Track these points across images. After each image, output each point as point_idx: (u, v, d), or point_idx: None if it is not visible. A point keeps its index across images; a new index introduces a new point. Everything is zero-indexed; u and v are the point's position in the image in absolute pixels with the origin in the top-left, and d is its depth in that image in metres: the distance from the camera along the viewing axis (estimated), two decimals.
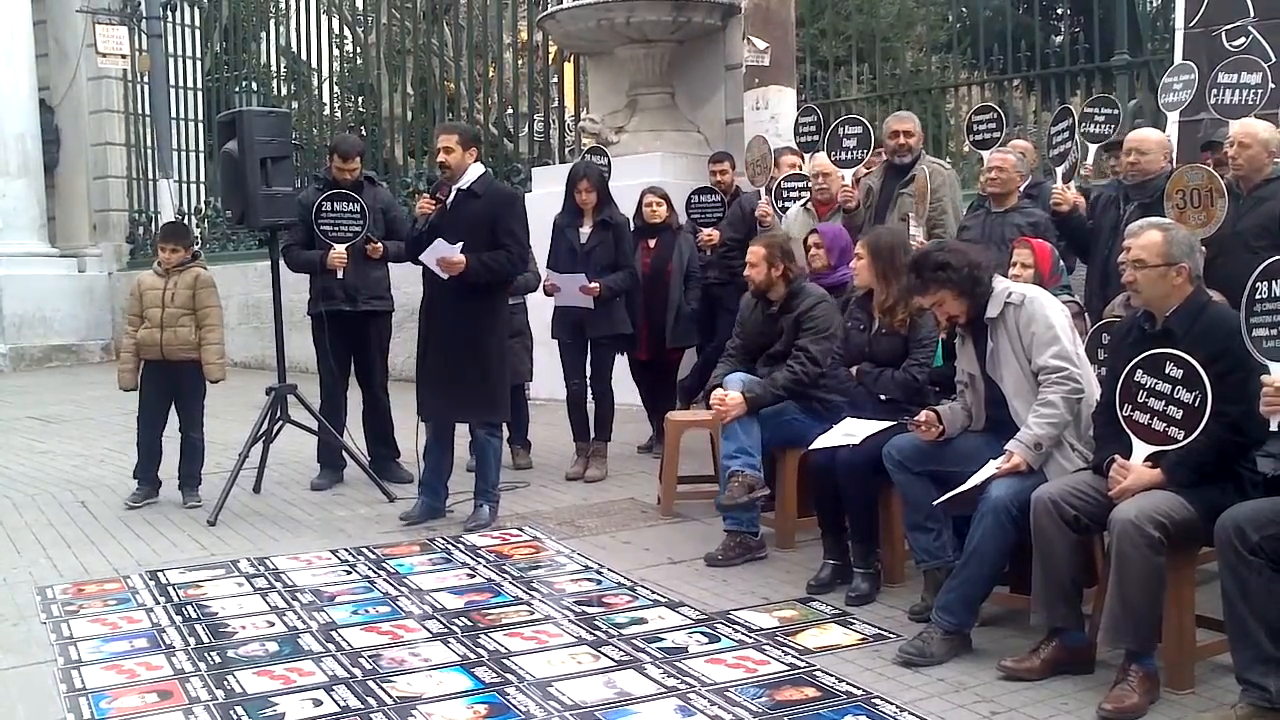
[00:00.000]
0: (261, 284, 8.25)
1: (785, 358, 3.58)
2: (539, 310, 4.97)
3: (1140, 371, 2.51)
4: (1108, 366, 2.81)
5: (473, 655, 2.78)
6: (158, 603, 3.27)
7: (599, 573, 3.47)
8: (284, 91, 11.28)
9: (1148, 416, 2.49)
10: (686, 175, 6.15)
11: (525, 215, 4.02)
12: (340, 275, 4.51)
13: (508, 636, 2.90)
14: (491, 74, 9.39)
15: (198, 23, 11.22)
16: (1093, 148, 4.30)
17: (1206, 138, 4.30)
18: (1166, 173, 3.69)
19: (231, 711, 2.48)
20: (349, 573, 3.54)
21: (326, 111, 10.41)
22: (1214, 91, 4.12)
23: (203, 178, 11.13)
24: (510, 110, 9.13)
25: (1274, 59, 4.40)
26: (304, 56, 10.37)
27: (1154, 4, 6.85)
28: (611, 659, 2.74)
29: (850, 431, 3.18)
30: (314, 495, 4.65)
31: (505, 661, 2.73)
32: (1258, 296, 2.34)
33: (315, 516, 4.30)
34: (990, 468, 2.73)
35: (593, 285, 4.59)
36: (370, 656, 2.79)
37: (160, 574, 3.54)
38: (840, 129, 4.80)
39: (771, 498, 3.64)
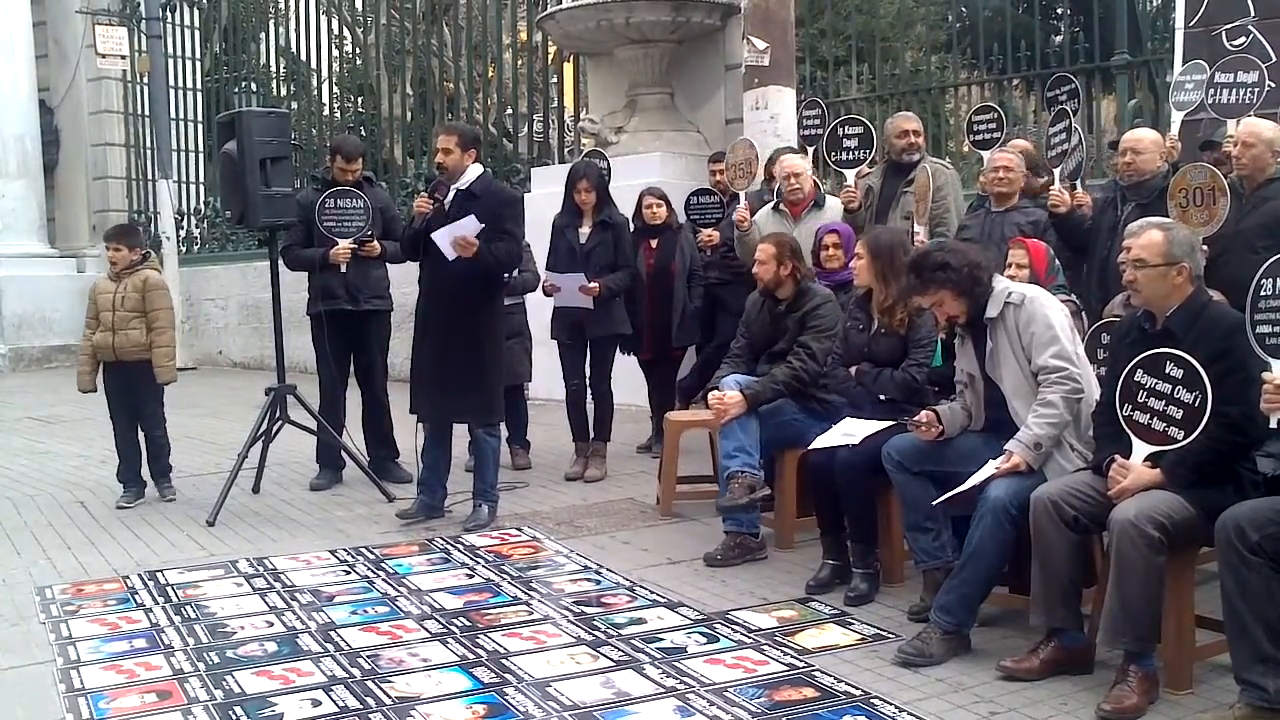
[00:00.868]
0: (261, 284, 8.25)
1: (785, 357, 3.58)
2: (538, 310, 4.96)
3: (1140, 371, 2.50)
4: (1108, 366, 2.81)
5: (471, 655, 2.78)
6: (157, 603, 3.27)
7: (598, 573, 3.47)
8: (283, 92, 11.28)
9: (1148, 416, 2.48)
10: (686, 175, 6.15)
11: (523, 217, 4.04)
12: (343, 270, 4.50)
13: (506, 636, 2.90)
14: (491, 74, 9.39)
15: (197, 23, 11.22)
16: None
17: (1205, 137, 4.30)
18: (1163, 173, 3.69)
19: (230, 711, 2.48)
20: (348, 573, 3.54)
21: (326, 112, 10.41)
22: (1211, 91, 4.12)
23: (202, 178, 11.14)
24: (509, 110, 9.13)
25: (1274, 58, 4.40)
26: (303, 57, 10.38)
27: (1154, 3, 6.84)
28: (610, 659, 2.74)
29: (849, 431, 3.18)
30: (313, 495, 4.64)
31: (504, 661, 2.73)
32: (1262, 294, 2.34)
33: (314, 517, 4.30)
34: (990, 468, 2.73)
35: (592, 285, 4.58)
36: (369, 656, 2.79)
37: (159, 574, 3.54)
38: (840, 129, 4.79)
39: (771, 498, 3.64)
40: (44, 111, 11.20)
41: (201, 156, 11.06)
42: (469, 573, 3.50)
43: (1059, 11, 9.68)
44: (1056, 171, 4.01)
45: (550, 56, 8.78)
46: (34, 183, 11.00)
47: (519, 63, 9.20)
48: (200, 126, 11.07)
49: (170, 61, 10.53)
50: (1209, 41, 4.65)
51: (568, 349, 4.77)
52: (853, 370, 3.44)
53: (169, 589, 3.39)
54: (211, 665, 2.75)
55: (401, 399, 4.21)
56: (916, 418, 2.94)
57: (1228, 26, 4.63)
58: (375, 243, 4.59)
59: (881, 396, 3.33)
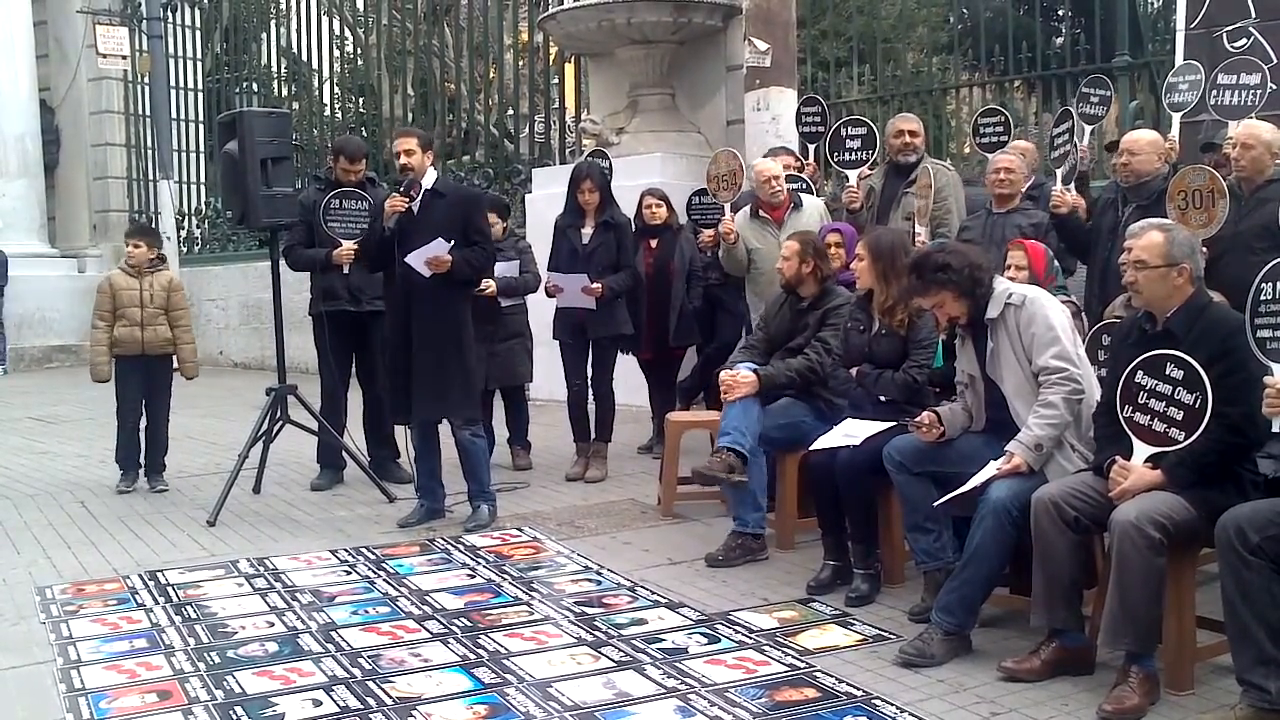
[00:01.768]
0: (262, 284, 8.26)
1: (801, 352, 3.58)
2: (539, 311, 4.97)
3: (1141, 373, 2.50)
4: (1108, 367, 2.81)
5: (472, 656, 2.78)
6: (157, 603, 3.27)
7: (599, 573, 3.47)
8: (284, 92, 11.29)
9: (1148, 418, 2.48)
10: (687, 176, 6.15)
11: (487, 215, 4.20)
12: (346, 271, 4.51)
13: (507, 637, 2.90)
14: (492, 75, 9.40)
15: (198, 23, 11.24)
16: (1089, 128, 4.29)
17: (1207, 139, 4.30)
18: (1163, 174, 3.69)
19: (231, 712, 2.48)
20: (349, 573, 3.54)
21: (327, 112, 10.42)
22: (1214, 92, 4.12)
23: (203, 178, 11.15)
24: (511, 111, 9.13)
25: (1275, 60, 4.40)
26: (304, 57, 10.38)
27: (1155, 5, 6.85)
28: (611, 660, 2.74)
29: (850, 432, 3.18)
30: (314, 495, 4.64)
31: (505, 662, 2.73)
32: (1262, 298, 2.34)
33: (315, 517, 4.30)
34: (990, 469, 2.73)
35: (595, 286, 4.58)
36: (370, 657, 2.79)
37: (160, 574, 3.54)
38: (844, 130, 4.78)
39: (771, 498, 3.64)
40: (45, 111, 11.21)
41: (202, 157, 11.07)
42: (470, 573, 3.50)
43: (1060, 13, 9.68)
44: (1059, 172, 4.01)
45: (551, 57, 8.78)
46: (34, 182, 11.01)
47: (520, 63, 9.20)
48: (201, 126, 11.08)
49: (171, 61, 10.54)
50: (1210, 43, 4.65)
51: (570, 349, 4.77)
52: (853, 371, 3.44)
53: (169, 589, 3.39)
54: (212, 665, 2.75)
55: None
56: (917, 419, 2.95)
57: (1229, 28, 4.63)
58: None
59: (882, 397, 3.32)
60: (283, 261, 4.71)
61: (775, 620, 3.00)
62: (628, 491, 4.52)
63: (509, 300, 4.77)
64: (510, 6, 8.71)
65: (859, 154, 4.67)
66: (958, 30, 7.71)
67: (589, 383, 4.77)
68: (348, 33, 11.38)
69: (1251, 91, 4.00)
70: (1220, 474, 2.44)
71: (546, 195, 6.16)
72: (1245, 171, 3.55)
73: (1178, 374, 2.44)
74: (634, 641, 2.85)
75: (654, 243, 5.01)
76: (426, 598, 3.25)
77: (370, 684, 2.61)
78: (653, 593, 3.26)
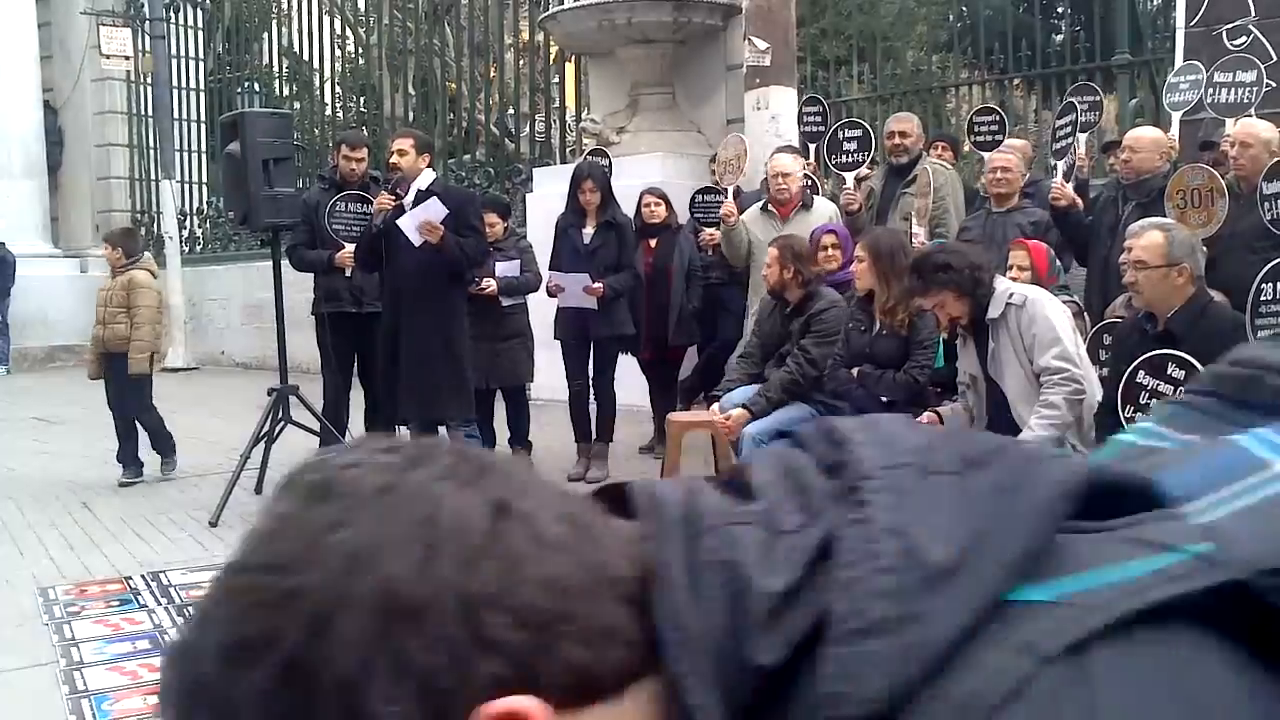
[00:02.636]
0: (263, 284, 8.23)
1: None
2: (540, 310, 4.97)
3: (1142, 372, 2.51)
4: (1110, 367, 2.81)
5: None
6: (160, 604, 3.27)
7: None
8: (286, 92, 11.30)
9: None
10: (687, 175, 6.15)
11: (482, 216, 4.21)
12: (348, 274, 4.52)
13: None
14: (493, 74, 9.40)
15: (200, 24, 11.24)
16: (1083, 136, 4.29)
17: (1206, 137, 4.29)
18: (1163, 172, 3.69)
19: None
20: None
21: (328, 112, 10.43)
22: (1210, 90, 4.11)
23: (205, 178, 11.16)
24: (511, 110, 9.13)
25: (1275, 58, 4.40)
26: (306, 57, 10.39)
27: (1154, 3, 6.84)
28: None
29: None
30: None
31: None
32: (1263, 298, 2.34)
33: None
34: None
35: (596, 286, 4.58)
36: None
37: (162, 575, 3.54)
38: (840, 132, 4.80)
39: None
40: (48, 112, 11.23)
41: (204, 156, 11.08)
42: None
43: (1059, 11, 9.68)
44: (1060, 164, 4.00)
45: (552, 56, 8.78)
46: (38, 183, 11.02)
47: (521, 63, 9.21)
48: (203, 126, 11.09)
49: (173, 62, 10.55)
50: (1210, 41, 4.64)
51: (571, 349, 4.77)
52: (854, 372, 3.44)
53: (172, 590, 3.39)
54: None
55: None
56: (919, 419, 2.95)
57: (1228, 26, 4.63)
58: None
59: (884, 398, 3.33)
60: (285, 261, 4.72)
61: None
62: None
63: (510, 300, 4.77)
64: (511, 6, 8.70)
65: (855, 155, 4.68)
66: (957, 28, 7.72)
67: (590, 383, 4.77)
68: (349, 32, 11.39)
69: (1247, 89, 4.00)
70: None
71: (547, 194, 6.16)
72: (1244, 170, 3.55)
73: (1179, 374, 2.44)
74: None
75: (653, 242, 5.00)
76: None
77: None
78: None
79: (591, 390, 4.78)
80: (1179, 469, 0.42)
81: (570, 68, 8.43)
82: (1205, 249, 3.12)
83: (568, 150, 8.16)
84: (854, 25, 7.50)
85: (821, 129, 5.20)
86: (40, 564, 3.75)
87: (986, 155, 4.34)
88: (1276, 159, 3.30)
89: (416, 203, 3.90)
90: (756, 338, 3.80)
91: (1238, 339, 2.40)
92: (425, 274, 3.82)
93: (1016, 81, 6.98)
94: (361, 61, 11.14)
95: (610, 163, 5.60)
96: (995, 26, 7.20)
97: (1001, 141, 4.44)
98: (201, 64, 11.19)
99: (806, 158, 5.26)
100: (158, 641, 2.95)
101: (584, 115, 7.40)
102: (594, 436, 4.81)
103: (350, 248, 4.41)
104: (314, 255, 4.60)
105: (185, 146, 10.83)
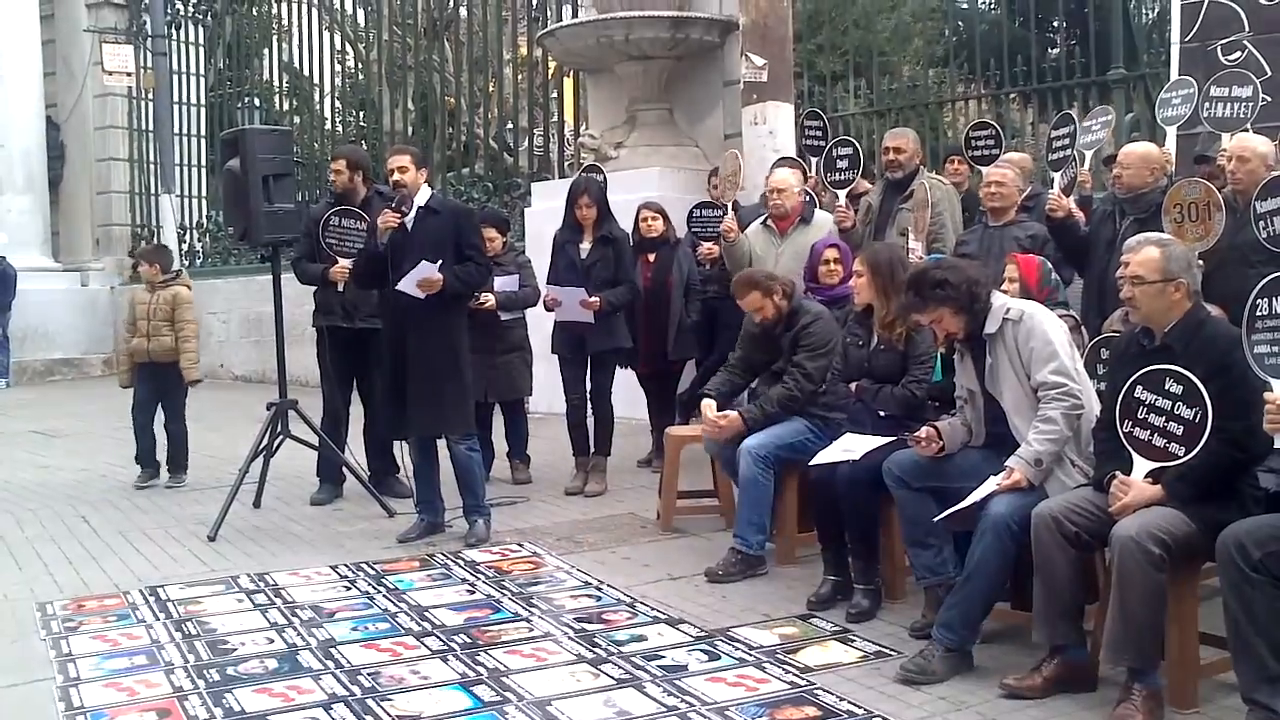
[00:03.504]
0: (263, 298, 8.26)
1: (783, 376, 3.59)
2: (539, 325, 4.98)
3: (1140, 388, 2.50)
4: (1107, 382, 2.81)
5: (472, 673, 2.77)
6: (157, 619, 3.26)
7: (598, 589, 3.46)
8: (286, 107, 11.36)
9: (1148, 433, 2.48)
10: (685, 190, 6.17)
11: (481, 229, 4.26)
12: (340, 289, 4.53)
13: (507, 654, 2.89)
14: (491, 89, 9.44)
15: (202, 40, 11.31)
16: (1089, 154, 4.30)
17: (1201, 151, 4.32)
18: (1159, 187, 3.70)
19: None
20: (348, 589, 3.54)
21: (328, 127, 10.47)
22: (1206, 105, 4.14)
23: (205, 193, 11.19)
24: (510, 125, 9.17)
25: (1269, 73, 4.42)
26: (306, 73, 10.45)
27: (1150, 18, 6.89)
28: (611, 677, 2.73)
29: (849, 447, 3.18)
30: (314, 510, 4.64)
31: (504, 679, 2.72)
32: (1259, 314, 2.34)
33: (315, 532, 4.30)
34: (991, 484, 2.72)
35: (593, 300, 4.60)
36: (369, 674, 2.78)
37: (160, 590, 3.53)
38: (834, 150, 4.85)
39: (772, 513, 3.64)
40: (50, 127, 11.28)
41: (204, 171, 11.12)
42: (470, 589, 3.49)
43: (1055, 25, 9.74)
44: (1056, 176, 4.01)
45: (550, 72, 8.83)
46: (39, 197, 11.06)
47: (519, 78, 9.26)
48: (204, 141, 11.14)
49: (175, 78, 10.61)
50: (1204, 56, 4.67)
51: (569, 363, 4.78)
52: (852, 386, 3.44)
53: (169, 605, 3.39)
54: (212, 683, 2.75)
55: None
56: (917, 433, 2.95)
57: (1223, 41, 4.66)
58: None
59: (882, 412, 3.32)
60: (285, 275, 4.74)
61: (776, 636, 2.99)
62: (627, 506, 4.52)
63: (508, 314, 4.78)
64: (509, 22, 8.76)
65: (846, 173, 4.73)
66: (953, 43, 7.77)
67: (588, 397, 4.77)
68: (349, 48, 11.46)
69: (1243, 104, 4.02)
70: (1221, 489, 2.43)
71: (545, 209, 6.18)
72: (1241, 184, 3.56)
73: (1177, 389, 2.44)
74: (634, 659, 2.84)
75: (651, 257, 5.02)
76: (426, 614, 3.25)
77: (369, 701, 2.60)
78: (652, 608, 3.25)
79: (589, 404, 4.78)
80: None
81: (569, 83, 8.48)
82: (1202, 263, 3.14)
83: (566, 165, 8.19)
84: (850, 41, 7.55)
85: (822, 143, 5.23)
86: (39, 579, 3.74)
87: (984, 170, 4.35)
88: (1267, 179, 3.32)
89: (417, 219, 3.92)
90: (742, 350, 3.80)
91: (1236, 354, 2.40)
92: (437, 296, 3.84)
93: (1013, 96, 7.02)
94: (361, 77, 11.21)
95: (605, 177, 5.61)
96: (991, 41, 7.25)
97: (998, 156, 4.46)
98: (202, 79, 11.24)
99: (807, 171, 5.29)
100: (155, 657, 2.94)
101: (582, 130, 7.43)
102: (592, 450, 4.81)
103: (345, 262, 4.43)
104: (314, 268, 4.62)
105: (185, 161, 10.87)
